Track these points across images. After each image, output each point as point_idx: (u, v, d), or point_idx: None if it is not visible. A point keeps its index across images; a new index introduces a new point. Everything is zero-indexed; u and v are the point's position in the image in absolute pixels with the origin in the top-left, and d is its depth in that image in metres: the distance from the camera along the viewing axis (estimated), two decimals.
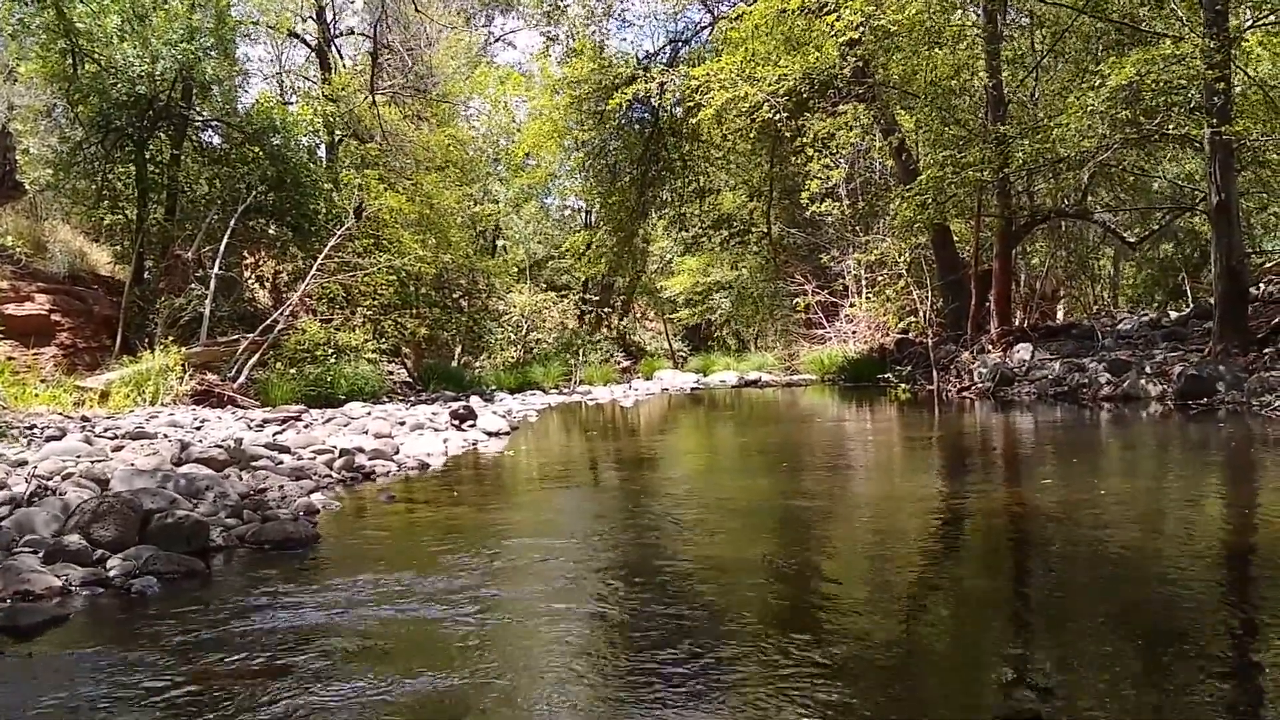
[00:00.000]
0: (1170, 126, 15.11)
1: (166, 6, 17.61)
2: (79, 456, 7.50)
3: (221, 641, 3.68)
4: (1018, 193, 18.77)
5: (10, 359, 14.21)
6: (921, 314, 21.14)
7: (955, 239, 21.70)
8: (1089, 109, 14.26)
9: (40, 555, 4.68)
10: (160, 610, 4.16)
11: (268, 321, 17.42)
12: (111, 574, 4.56)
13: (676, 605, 4.13)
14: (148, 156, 18.42)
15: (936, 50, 17.26)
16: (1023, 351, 17.51)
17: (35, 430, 9.72)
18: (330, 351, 17.61)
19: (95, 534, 4.90)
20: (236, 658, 3.48)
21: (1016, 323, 20.15)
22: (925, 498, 7.23)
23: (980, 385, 17.13)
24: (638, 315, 37.83)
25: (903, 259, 21.88)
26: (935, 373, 18.59)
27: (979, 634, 3.84)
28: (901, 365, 20.36)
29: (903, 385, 19.10)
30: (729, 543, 5.52)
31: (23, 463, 7.28)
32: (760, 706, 2.95)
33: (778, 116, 16.74)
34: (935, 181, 16.60)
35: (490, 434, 12.23)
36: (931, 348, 19.37)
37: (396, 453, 9.56)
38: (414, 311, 22.18)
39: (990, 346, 18.38)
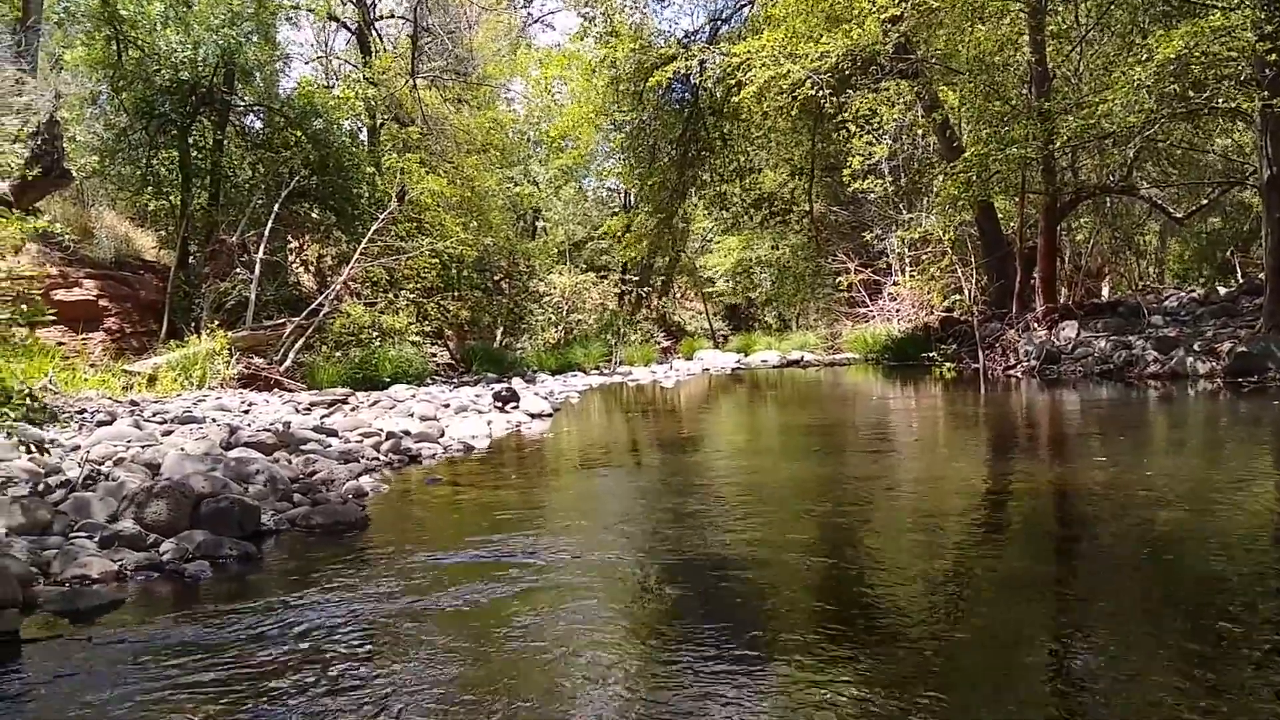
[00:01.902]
0: (1220, 100, 14.81)
1: None
2: (129, 441, 7.58)
3: (275, 624, 3.71)
4: (1062, 169, 18.52)
5: (60, 344, 14.40)
6: (966, 292, 20.92)
7: (999, 216, 21.47)
8: (1136, 83, 14.02)
9: (95, 539, 4.74)
10: (213, 594, 4.22)
11: (313, 305, 17.54)
12: (165, 558, 4.62)
13: (720, 588, 4.13)
14: (191, 142, 18.56)
15: (979, 25, 17.02)
16: (1068, 329, 17.31)
17: (85, 415, 9.85)
18: (375, 334, 17.73)
19: (148, 518, 4.96)
20: (290, 641, 3.51)
21: (1061, 300, 19.89)
22: (971, 477, 7.17)
23: (1026, 363, 16.98)
24: (678, 295, 37.78)
25: (947, 236, 21.64)
26: (980, 351, 18.45)
27: (1027, 617, 3.79)
28: (946, 344, 20.19)
29: (948, 364, 18.96)
30: (772, 524, 5.49)
31: (75, 447, 7.38)
32: (803, 688, 2.95)
33: (820, 94, 16.57)
34: (979, 159, 16.40)
35: (533, 416, 12.26)
36: (977, 326, 19.20)
37: (442, 435, 9.61)
38: (456, 294, 22.27)
39: (1035, 324, 18.19)
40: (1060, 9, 17.96)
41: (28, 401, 8.93)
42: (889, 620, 3.71)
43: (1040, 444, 9.30)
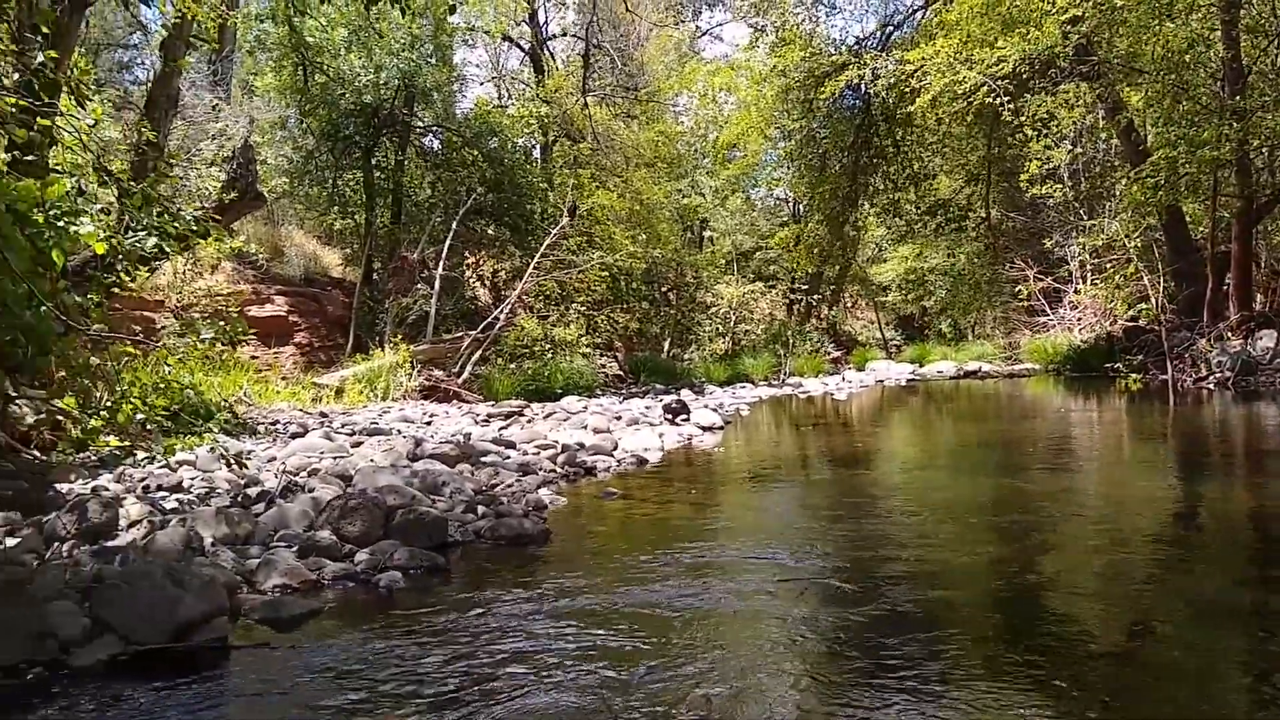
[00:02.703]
0: None
1: (388, 17, 18.37)
2: (321, 453, 7.90)
3: (469, 636, 3.78)
4: (1258, 170, 17.54)
5: (254, 358, 15.13)
6: (1153, 300, 20.00)
7: (1188, 220, 20.46)
8: None
9: (294, 549, 4.94)
10: (407, 604, 4.33)
11: (489, 319, 17.98)
12: (359, 568, 4.76)
13: (900, 604, 4.04)
14: (374, 163, 19.29)
15: (1167, 23, 16.27)
16: (1266, 338, 16.35)
17: (279, 426, 10.32)
18: (547, 347, 18.06)
19: (344, 529, 5.14)
20: (484, 652, 3.57)
21: (1257, 307, 18.82)
22: (1161, 496, 6.81)
23: (1219, 375, 16.11)
24: (848, 304, 37.28)
25: (1132, 243, 20.72)
26: (1169, 362, 17.60)
27: (1222, 645, 3.57)
28: (1131, 354, 19.34)
29: (1134, 375, 18.14)
30: (949, 544, 5.33)
31: (271, 459, 7.73)
32: (988, 711, 2.85)
33: (998, 100, 16.09)
34: (1168, 162, 15.67)
35: (704, 428, 12.21)
36: (1164, 335, 18.33)
37: (615, 448, 9.66)
38: (625, 306, 22.49)
39: (1229, 333, 17.24)
40: (1255, 2, 17.03)
41: (227, 415, 9.40)
42: (1074, 642, 3.58)
43: (1236, 461, 8.79)
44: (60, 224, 6.25)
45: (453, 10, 16.30)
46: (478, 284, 22.10)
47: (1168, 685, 3.19)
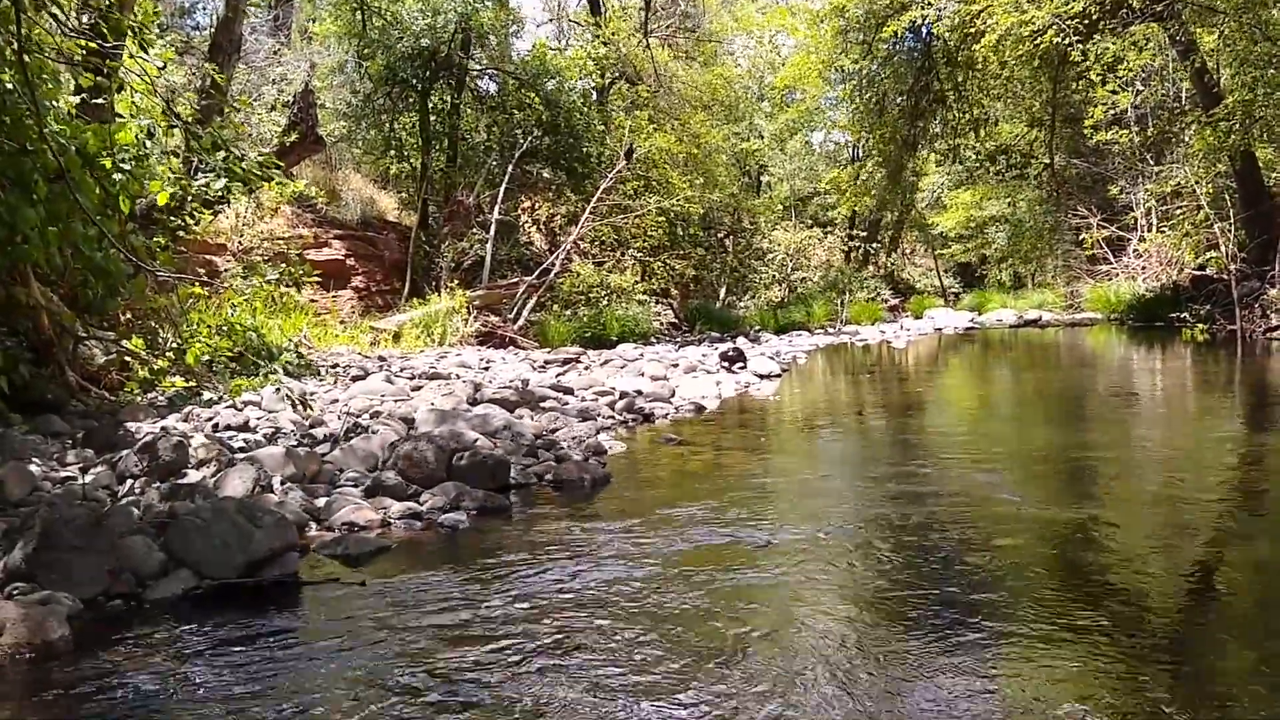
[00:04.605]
0: None
1: None
2: (383, 396, 7.98)
3: (533, 574, 3.83)
4: None
5: (312, 301, 15.24)
6: (1223, 248, 19.53)
7: (1261, 166, 19.88)
8: None
9: (361, 489, 5.00)
10: (473, 543, 4.39)
11: (545, 265, 17.98)
12: (424, 508, 4.82)
13: (954, 557, 4.00)
14: (430, 106, 19.25)
15: None
16: None
17: (338, 369, 10.42)
18: (603, 293, 18.02)
19: (409, 471, 5.19)
20: (548, 590, 3.62)
21: None
22: (1227, 452, 6.62)
23: None
24: (906, 252, 36.87)
25: (1203, 189, 20.18)
26: (1237, 312, 17.21)
27: None
28: (1198, 304, 18.92)
29: (1200, 325, 17.77)
30: (1008, 496, 5.24)
31: (334, 400, 7.82)
32: (1043, 682, 2.78)
33: (1067, 41, 15.65)
34: (1243, 105, 15.22)
35: (761, 376, 12.16)
36: (1234, 284, 17.90)
37: (672, 395, 9.65)
38: (681, 252, 22.36)
39: None
40: None
41: (291, 357, 9.51)
42: (1137, 598, 3.53)
43: None
44: (127, 168, 6.32)
45: None
46: (533, 229, 22.07)
47: (1233, 644, 3.13)
